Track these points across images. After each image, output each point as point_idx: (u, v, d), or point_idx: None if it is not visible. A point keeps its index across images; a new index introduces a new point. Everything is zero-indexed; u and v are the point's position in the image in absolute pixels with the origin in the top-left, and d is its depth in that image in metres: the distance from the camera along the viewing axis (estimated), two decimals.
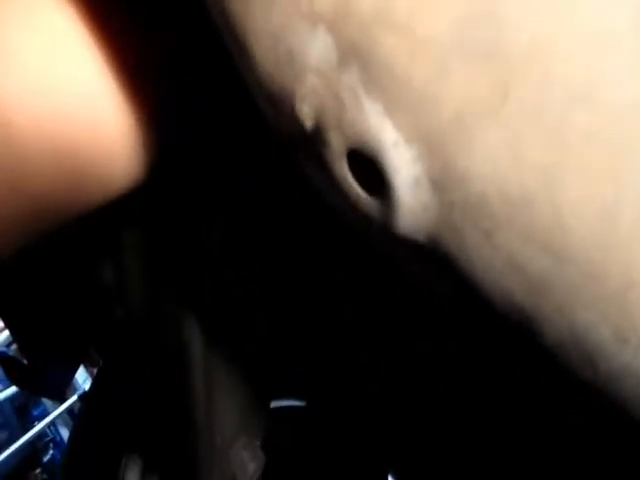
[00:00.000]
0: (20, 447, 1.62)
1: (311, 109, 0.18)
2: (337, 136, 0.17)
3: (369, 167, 0.17)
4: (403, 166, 0.16)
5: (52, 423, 1.71)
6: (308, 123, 0.18)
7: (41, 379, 0.62)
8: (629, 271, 0.15)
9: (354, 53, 0.17)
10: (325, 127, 0.18)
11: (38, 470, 1.78)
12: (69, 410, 1.72)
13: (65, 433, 1.77)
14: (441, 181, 0.16)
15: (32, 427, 1.69)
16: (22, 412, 1.72)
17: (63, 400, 1.56)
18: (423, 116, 0.16)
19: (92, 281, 0.49)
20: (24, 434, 1.66)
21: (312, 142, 0.18)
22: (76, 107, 0.26)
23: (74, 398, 1.61)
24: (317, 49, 0.17)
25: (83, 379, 1.59)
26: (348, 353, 0.45)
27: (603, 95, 0.14)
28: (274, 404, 0.59)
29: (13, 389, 1.57)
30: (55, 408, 1.69)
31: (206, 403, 0.47)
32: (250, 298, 0.44)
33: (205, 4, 0.21)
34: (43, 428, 1.68)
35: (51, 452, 1.79)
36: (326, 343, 0.46)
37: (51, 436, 1.79)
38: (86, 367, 1.43)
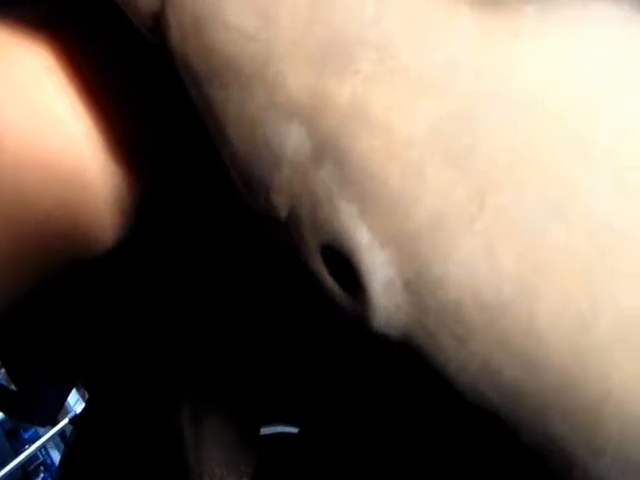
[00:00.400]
0: (11, 470, 1.60)
1: (286, 200, 0.18)
2: (311, 231, 0.17)
3: (343, 263, 0.17)
4: (377, 268, 0.16)
5: (43, 446, 1.69)
6: (282, 213, 0.18)
7: (31, 406, 0.61)
8: (604, 382, 0.15)
9: (329, 149, 0.17)
10: (299, 220, 0.17)
11: None
12: (60, 433, 1.70)
13: (56, 456, 1.75)
14: (415, 285, 0.16)
15: (23, 450, 1.67)
16: (13, 435, 1.71)
17: (54, 424, 1.55)
18: (398, 220, 0.16)
19: (83, 305, 0.48)
20: (15, 457, 1.64)
21: (286, 231, 0.18)
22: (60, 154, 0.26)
23: (65, 421, 1.60)
24: (292, 142, 0.17)
25: (74, 401, 1.58)
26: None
27: (578, 209, 0.14)
28: (265, 430, 0.58)
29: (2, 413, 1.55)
30: (46, 431, 1.68)
31: (194, 444, 0.47)
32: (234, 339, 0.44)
33: (183, 83, 0.21)
34: (34, 451, 1.66)
35: (42, 475, 1.77)
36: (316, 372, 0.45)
37: (42, 459, 1.77)
38: (77, 389, 1.42)
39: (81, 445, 0.70)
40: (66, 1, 0.29)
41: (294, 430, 0.57)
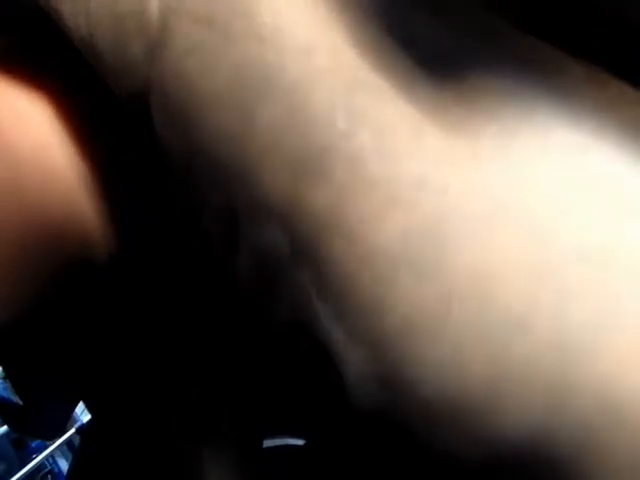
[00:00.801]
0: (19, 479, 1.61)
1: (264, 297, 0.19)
2: (292, 325, 0.18)
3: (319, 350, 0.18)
4: (352, 364, 0.17)
5: (50, 455, 1.70)
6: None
7: (37, 420, 0.62)
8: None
9: (305, 253, 0.17)
10: (277, 307, 0.18)
11: None
12: (67, 442, 1.72)
13: (63, 464, 1.76)
14: (389, 383, 0.17)
15: (31, 459, 1.69)
16: (20, 445, 1.72)
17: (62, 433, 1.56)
18: (371, 323, 0.17)
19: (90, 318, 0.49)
20: (22, 466, 1.65)
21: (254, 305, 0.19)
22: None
23: (72, 431, 1.61)
24: (271, 240, 0.18)
25: (81, 410, 1.59)
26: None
27: (540, 323, 0.15)
28: (269, 443, 0.59)
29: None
30: (53, 441, 1.69)
31: (195, 465, 0.48)
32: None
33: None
34: (41, 460, 1.68)
35: None
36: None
37: (49, 467, 1.78)
38: None
39: (87, 457, 0.71)
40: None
41: (299, 442, 0.58)
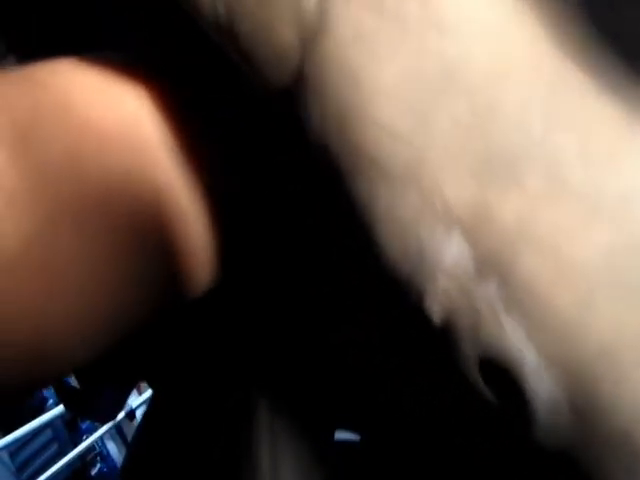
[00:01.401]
0: (70, 460, 1.65)
1: (441, 310, 0.17)
2: (470, 344, 0.17)
3: (503, 375, 0.17)
4: (543, 390, 0.16)
5: (100, 438, 1.74)
6: (437, 321, 0.18)
7: (92, 404, 0.63)
8: None
9: (492, 266, 0.16)
10: (457, 332, 0.17)
11: None
12: (116, 425, 1.75)
13: (112, 447, 1.80)
14: (583, 411, 0.15)
15: (81, 441, 1.72)
16: (71, 426, 1.76)
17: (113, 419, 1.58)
18: (567, 345, 0.15)
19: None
20: (73, 448, 1.69)
21: (439, 337, 0.18)
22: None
23: (122, 415, 1.64)
24: (451, 253, 0.17)
25: (131, 397, 1.62)
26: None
27: None
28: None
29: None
30: (103, 424, 1.72)
31: (272, 468, 0.47)
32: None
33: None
34: (91, 442, 1.71)
35: (98, 465, 1.82)
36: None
37: (99, 450, 1.82)
38: None
39: (143, 450, 0.71)
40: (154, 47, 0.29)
41: (350, 436, 0.57)
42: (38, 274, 0.21)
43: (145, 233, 0.26)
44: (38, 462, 1.73)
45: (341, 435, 0.55)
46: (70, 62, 0.27)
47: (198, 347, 0.45)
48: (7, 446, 1.58)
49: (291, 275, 0.34)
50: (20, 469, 1.69)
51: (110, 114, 0.26)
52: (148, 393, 1.64)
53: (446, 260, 0.17)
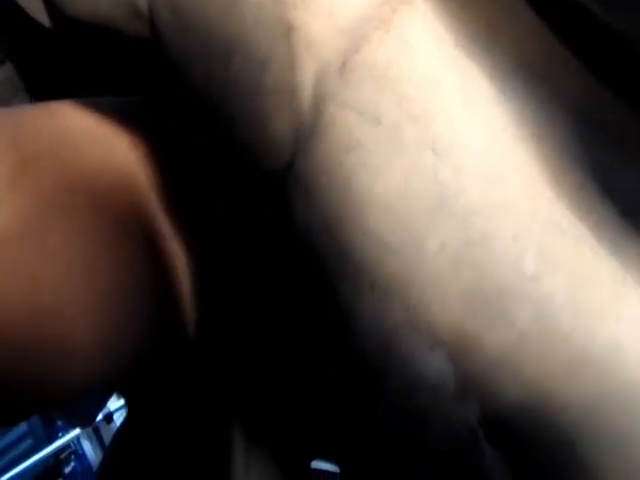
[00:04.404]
0: (44, 456, 1.64)
1: (419, 422, 0.17)
2: (447, 456, 0.17)
3: None
4: None
5: (76, 436, 1.73)
6: (414, 429, 0.18)
7: (71, 408, 0.62)
8: None
9: (474, 391, 0.16)
10: (434, 442, 0.17)
11: None
12: (93, 426, 1.74)
13: (87, 447, 1.78)
14: None
15: (57, 438, 1.71)
16: (47, 422, 1.75)
17: (91, 424, 1.58)
18: None
19: None
20: (48, 444, 1.68)
21: (417, 439, 0.18)
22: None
23: (99, 417, 1.63)
24: (433, 372, 0.17)
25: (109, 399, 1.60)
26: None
27: None
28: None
29: None
30: None
31: None
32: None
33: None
34: (67, 441, 1.70)
35: (72, 464, 1.81)
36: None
37: (74, 448, 1.81)
38: None
39: (119, 458, 0.70)
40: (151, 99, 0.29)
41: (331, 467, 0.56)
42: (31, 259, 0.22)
43: (137, 273, 0.26)
44: (12, 455, 1.72)
45: (321, 465, 0.55)
46: (67, 106, 0.27)
47: (178, 370, 0.45)
48: None
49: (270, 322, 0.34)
50: None
51: (102, 162, 0.26)
52: None
53: (429, 377, 0.17)
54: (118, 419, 1.64)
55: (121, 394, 0.65)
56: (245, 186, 0.25)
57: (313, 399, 0.40)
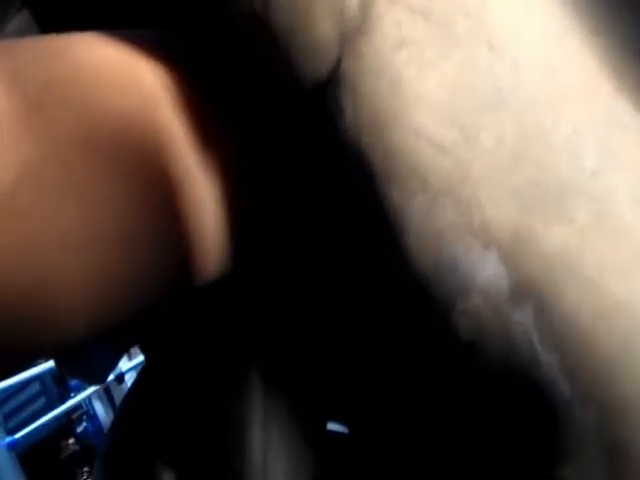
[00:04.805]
0: (57, 415, 1.66)
1: (470, 327, 0.17)
2: (498, 367, 0.16)
3: (531, 404, 0.16)
4: (574, 428, 0.15)
5: (88, 397, 1.75)
6: (464, 336, 0.17)
7: (84, 365, 0.62)
8: None
9: (530, 293, 0.16)
10: (484, 352, 0.16)
11: (71, 440, 1.83)
12: (105, 387, 1.75)
13: (99, 407, 1.80)
14: (616, 456, 0.15)
15: (69, 397, 1.73)
16: (60, 382, 1.77)
17: (103, 382, 1.59)
18: (604, 385, 0.15)
19: None
20: (61, 403, 1.70)
21: (463, 352, 0.17)
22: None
23: (111, 377, 1.64)
24: (487, 272, 0.16)
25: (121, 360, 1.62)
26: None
27: None
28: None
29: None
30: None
31: (263, 450, 0.47)
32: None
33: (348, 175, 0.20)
34: (79, 401, 1.72)
35: (84, 424, 1.83)
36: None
37: (85, 409, 1.83)
38: None
39: (131, 418, 0.71)
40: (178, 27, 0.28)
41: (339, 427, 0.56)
42: (27, 215, 0.21)
43: (154, 205, 0.25)
44: (25, 414, 1.74)
45: (331, 426, 0.55)
46: (91, 36, 0.26)
47: (199, 320, 0.44)
48: None
49: (298, 269, 0.33)
50: (7, 418, 1.70)
51: (126, 93, 0.25)
52: (138, 359, 1.64)
53: (480, 279, 0.16)
54: (129, 380, 1.65)
55: (140, 350, 0.65)
56: (285, 105, 0.25)
57: (338, 342, 0.40)
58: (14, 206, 0.21)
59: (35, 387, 1.80)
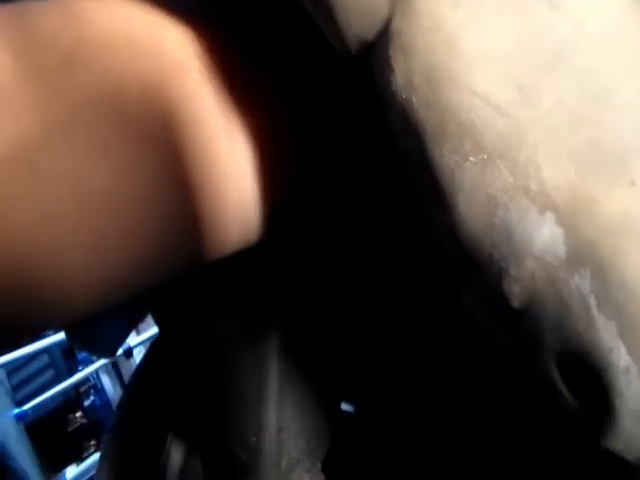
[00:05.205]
0: (65, 388, 1.67)
1: (523, 294, 0.16)
2: (552, 336, 0.16)
3: (585, 373, 0.16)
4: (632, 395, 0.15)
5: (95, 370, 1.76)
6: (515, 303, 0.17)
7: (94, 337, 0.62)
8: None
9: (588, 258, 0.15)
10: (539, 320, 0.16)
11: (79, 413, 1.84)
12: (112, 361, 1.76)
13: (106, 381, 1.81)
14: None
15: (77, 371, 1.74)
16: (68, 355, 1.78)
17: (113, 356, 1.60)
18: None
19: None
20: (69, 376, 1.71)
21: (514, 319, 0.17)
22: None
23: (119, 352, 1.65)
24: (543, 237, 0.16)
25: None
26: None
27: None
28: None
29: (63, 334, 1.60)
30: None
31: (277, 429, 0.47)
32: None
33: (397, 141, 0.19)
34: (87, 374, 1.73)
35: (92, 397, 1.85)
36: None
37: (93, 382, 1.84)
38: None
39: (141, 391, 0.71)
40: None
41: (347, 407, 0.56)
42: (26, 177, 0.20)
43: (181, 172, 0.25)
44: (33, 385, 1.76)
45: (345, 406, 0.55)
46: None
47: (218, 295, 0.44)
48: (4, 365, 1.60)
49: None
50: (16, 389, 1.72)
51: (152, 59, 0.25)
52: (146, 334, 1.65)
53: (536, 243, 0.16)
54: (138, 354, 1.66)
55: (156, 323, 0.65)
56: (326, 72, 0.24)
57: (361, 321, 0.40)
58: (32, 170, 0.21)
59: (44, 359, 1.81)
